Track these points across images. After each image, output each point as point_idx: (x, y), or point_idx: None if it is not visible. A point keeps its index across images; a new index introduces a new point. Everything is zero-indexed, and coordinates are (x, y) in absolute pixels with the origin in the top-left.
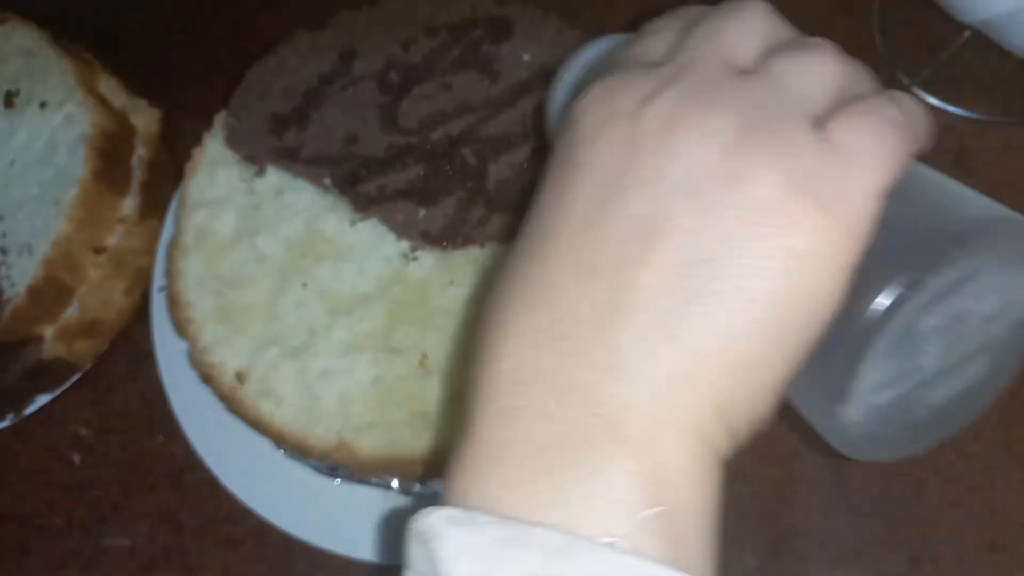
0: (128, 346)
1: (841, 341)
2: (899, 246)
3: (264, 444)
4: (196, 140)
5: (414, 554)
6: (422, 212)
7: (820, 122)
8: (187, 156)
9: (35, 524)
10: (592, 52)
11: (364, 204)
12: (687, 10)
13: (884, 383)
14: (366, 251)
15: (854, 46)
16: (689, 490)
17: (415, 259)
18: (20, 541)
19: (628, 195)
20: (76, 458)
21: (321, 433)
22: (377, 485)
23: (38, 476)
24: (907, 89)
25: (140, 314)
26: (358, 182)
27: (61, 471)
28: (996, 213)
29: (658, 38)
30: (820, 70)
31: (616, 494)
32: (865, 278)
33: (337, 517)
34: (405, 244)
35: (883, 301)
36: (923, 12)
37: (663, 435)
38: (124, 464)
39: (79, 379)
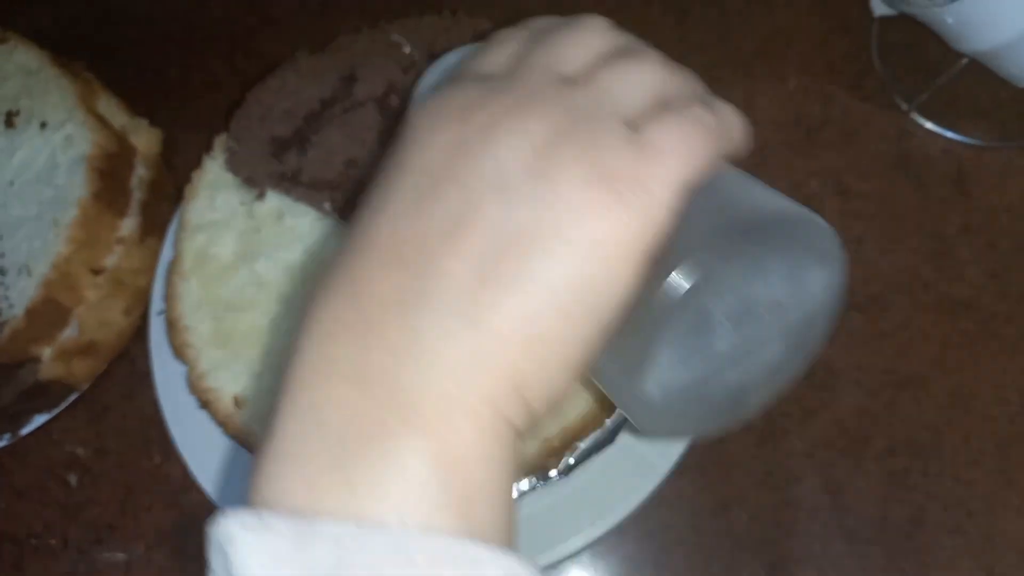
0: (126, 366)
1: (637, 323)
2: (694, 236)
3: None
4: (195, 158)
5: (214, 562)
6: None
7: (635, 125)
8: (186, 174)
9: (30, 544)
10: (452, 59)
11: None
12: (534, 22)
13: (680, 363)
14: None
15: (852, 69)
16: (481, 464)
17: None
18: (15, 561)
19: (445, 193)
20: (72, 478)
21: None
22: None
23: (34, 496)
24: (905, 114)
25: (139, 334)
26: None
27: (57, 491)
28: (786, 208)
29: (501, 49)
30: (641, 78)
31: (408, 475)
32: (662, 264)
33: None
34: None
35: (674, 286)
36: (921, 36)
37: (456, 414)
38: (121, 484)
39: (76, 399)
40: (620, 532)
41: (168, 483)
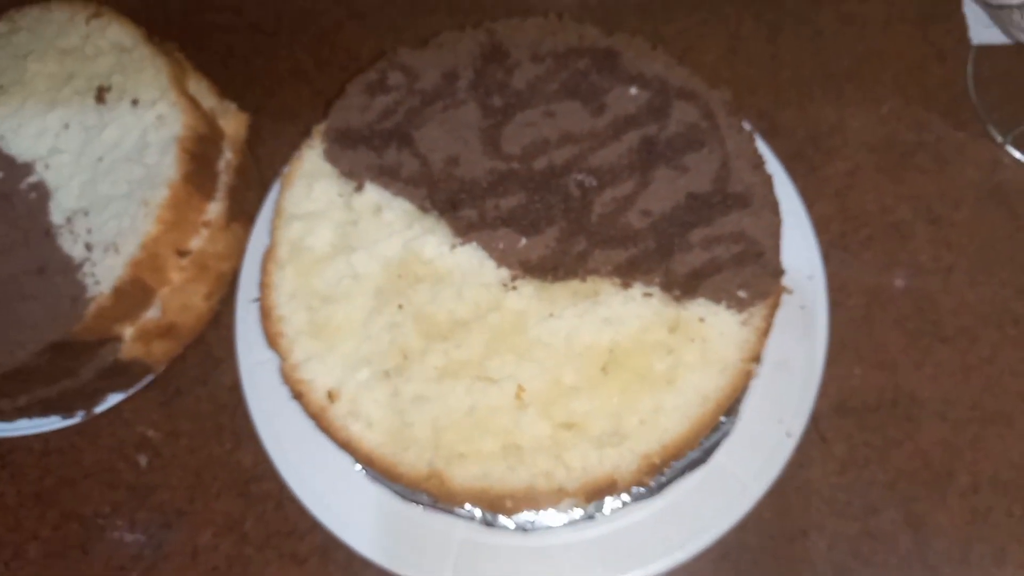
0: (201, 351)
1: None
2: None
3: (342, 461)
4: (280, 148)
5: None
6: (523, 241)
7: None
8: (271, 163)
9: (97, 524)
10: None
11: (465, 229)
12: None
13: None
14: (465, 276)
15: (947, 96)
16: None
17: (514, 288)
18: (80, 540)
19: None
20: (142, 460)
21: (412, 460)
22: (459, 515)
23: (103, 476)
24: (999, 146)
25: (216, 320)
26: (459, 206)
27: (127, 472)
28: None
29: None
30: None
31: None
32: None
33: (413, 541)
34: (505, 272)
35: None
36: (1019, 67)
37: None
38: (191, 469)
39: (150, 382)
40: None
41: (239, 470)
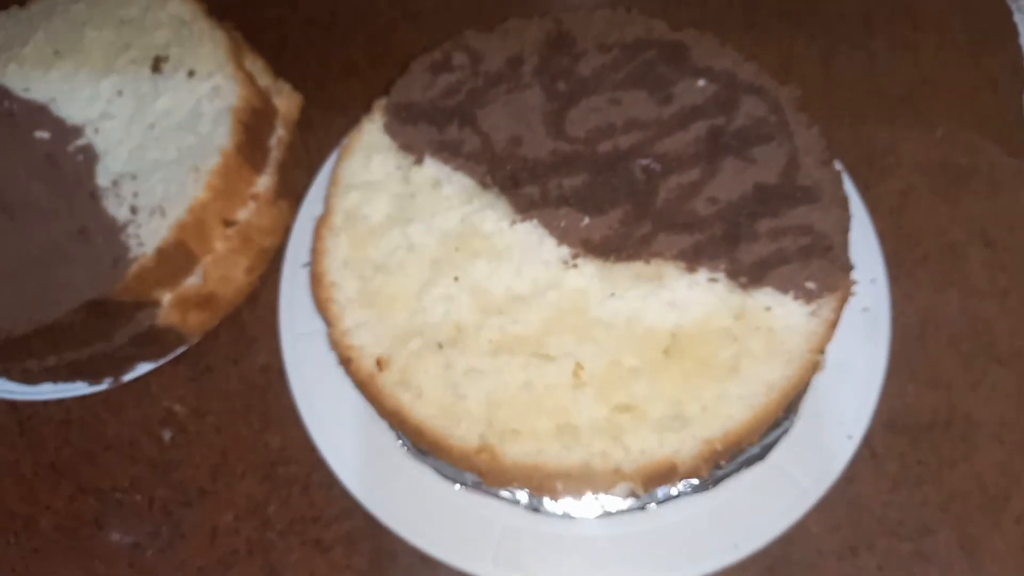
0: (236, 329)
1: None
2: None
3: (383, 439)
4: (328, 137)
5: None
6: (586, 220)
7: None
8: (319, 153)
9: (114, 499)
10: None
11: (526, 206)
12: None
13: None
14: (524, 253)
15: (1001, 123)
16: None
17: (575, 266)
18: (96, 514)
19: None
20: (167, 435)
21: (463, 433)
22: (503, 498)
23: (125, 449)
24: None
25: (254, 298)
26: (520, 184)
27: (149, 447)
28: None
29: None
30: None
31: None
32: None
33: (454, 526)
34: (565, 250)
35: None
36: None
37: None
38: (216, 448)
39: (180, 355)
40: (736, 567)
41: (265, 452)
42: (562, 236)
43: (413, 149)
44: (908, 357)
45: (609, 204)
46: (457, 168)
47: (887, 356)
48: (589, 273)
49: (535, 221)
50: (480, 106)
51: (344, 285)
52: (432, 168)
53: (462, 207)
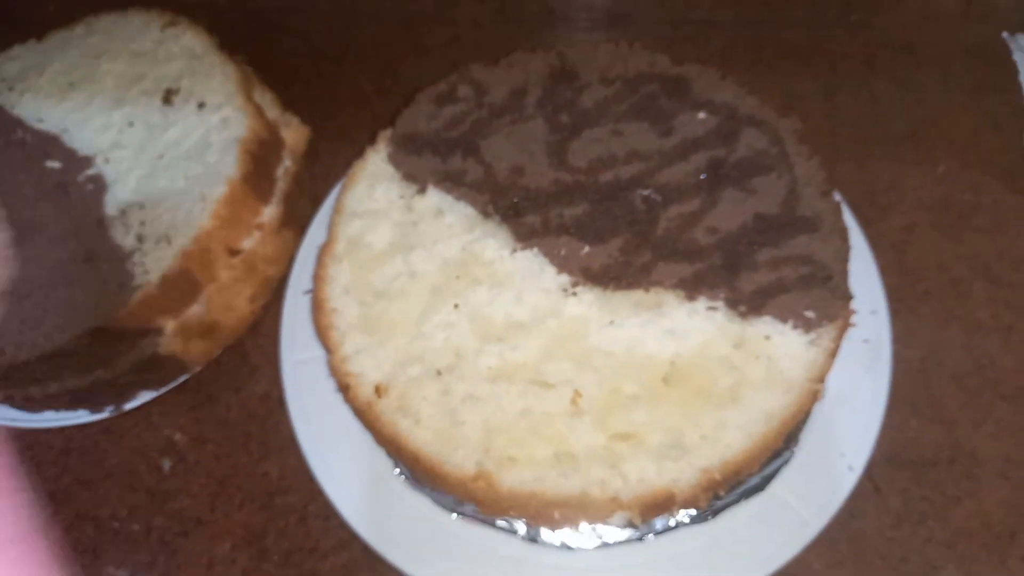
0: (238, 357)
1: None
2: None
3: (381, 468)
4: (335, 167)
5: None
6: (586, 248)
7: None
8: (325, 182)
9: (111, 528)
10: None
11: (526, 234)
12: None
13: None
14: (524, 280)
15: (1004, 161)
16: None
17: (574, 294)
18: (93, 543)
19: None
20: (166, 464)
21: (459, 459)
22: (500, 528)
23: (124, 478)
24: None
25: (256, 327)
26: (521, 213)
27: (148, 476)
28: None
29: None
30: None
31: None
32: None
33: (452, 556)
34: (565, 279)
35: None
36: None
37: None
38: (215, 477)
39: (181, 384)
40: None
41: (264, 481)
42: (562, 264)
43: (416, 178)
44: (910, 391)
45: (609, 233)
46: (459, 197)
47: (888, 387)
48: (588, 301)
49: (536, 250)
50: (483, 137)
51: (345, 311)
52: (435, 197)
53: (464, 235)
